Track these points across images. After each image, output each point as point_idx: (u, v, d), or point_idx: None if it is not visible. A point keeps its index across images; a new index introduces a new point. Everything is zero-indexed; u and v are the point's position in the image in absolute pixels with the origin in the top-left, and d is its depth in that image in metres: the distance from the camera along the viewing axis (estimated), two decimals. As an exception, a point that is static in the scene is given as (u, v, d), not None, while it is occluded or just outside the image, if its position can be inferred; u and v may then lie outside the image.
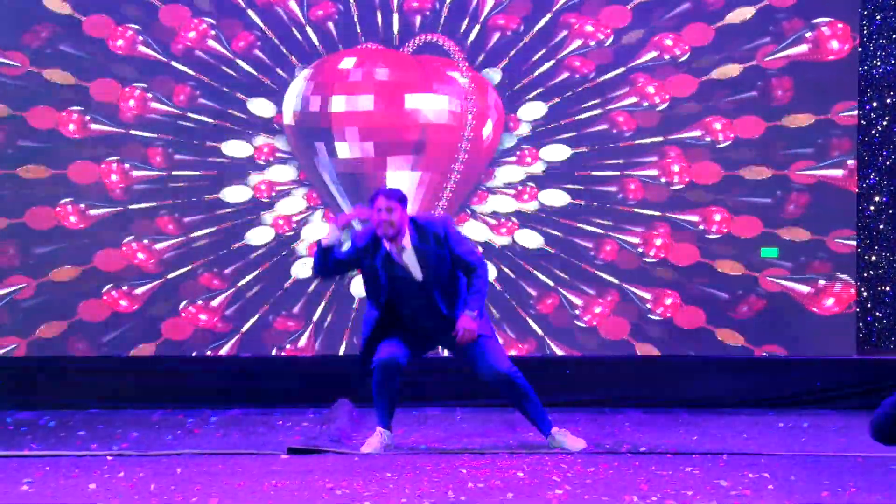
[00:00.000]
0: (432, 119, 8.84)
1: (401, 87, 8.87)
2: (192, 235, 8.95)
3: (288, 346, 8.94)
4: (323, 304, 8.93)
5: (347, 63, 8.90)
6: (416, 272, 6.65)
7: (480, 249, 8.69)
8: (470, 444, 6.97)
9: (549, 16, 8.97)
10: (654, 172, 8.99)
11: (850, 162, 8.94)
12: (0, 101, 8.86)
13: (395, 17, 8.98)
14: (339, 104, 8.81)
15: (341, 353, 8.93)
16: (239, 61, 8.96)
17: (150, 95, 8.94)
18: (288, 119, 8.91)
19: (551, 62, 9.00)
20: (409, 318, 6.77)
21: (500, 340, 7.07)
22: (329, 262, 6.68)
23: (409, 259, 6.64)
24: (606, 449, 6.77)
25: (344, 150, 8.81)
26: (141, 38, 8.92)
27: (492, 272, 8.94)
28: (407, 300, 6.71)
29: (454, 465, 6.18)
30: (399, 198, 6.61)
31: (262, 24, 8.94)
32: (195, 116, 8.93)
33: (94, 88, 8.91)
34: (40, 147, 8.89)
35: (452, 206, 8.97)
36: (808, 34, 8.92)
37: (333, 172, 8.82)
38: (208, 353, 8.91)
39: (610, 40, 8.98)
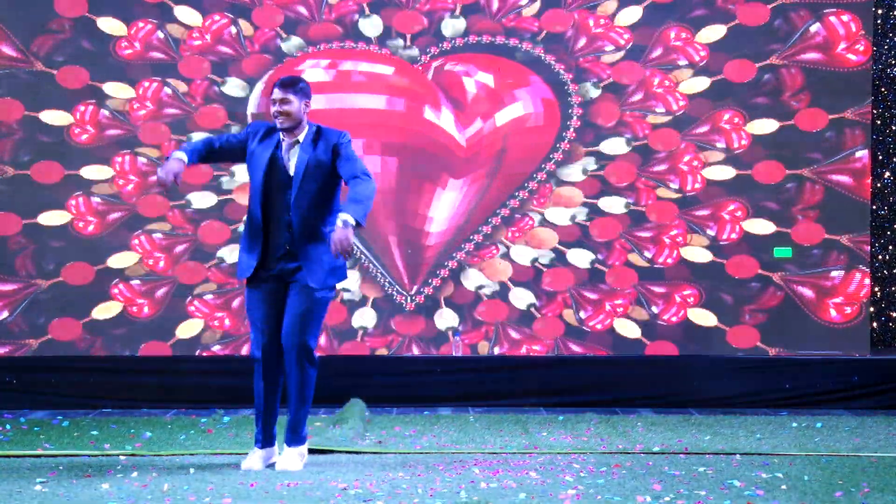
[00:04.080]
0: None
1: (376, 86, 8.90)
2: (204, 234, 8.95)
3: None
4: (336, 305, 8.93)
5: (312, 63, 8.91)
6: (292, 167, 6.09)
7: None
8: (482, 445, 6.96)
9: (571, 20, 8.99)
10: (667, 172, 8.97)
11: (864, 161, 8.91)
12: (13, 100, 8.88)
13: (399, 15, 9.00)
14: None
15: (354, 353, 8.93)
16: (252, 58, 8.96)
17: (162, 94, 8.95)
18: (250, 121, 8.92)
19: (565, 63, 8.99)
20: (272, 231, 6.10)
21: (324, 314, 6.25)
22: (204, 158, 6.16)
23: (293, 154, 6.11)
24: (619, 449, 6.76)
25: None
26: (154, 37, 8.93)
27: (507, 272, 8.94)
28: (276, 198, 6.08)
29: (466, 465, 6.17)
30: (297, 88, 6.08)
31: (276, 23, 8.96)
32: (208, 114, 8.93)
33: (108, 88, 8.92)
34: (54, 147, 8.91)
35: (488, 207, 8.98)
36: (821, 33, 8.90)
37: None
38: (221, 352, 8.92)
39: (626, 41, 8.98)
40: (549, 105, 8.99)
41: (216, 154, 6.23)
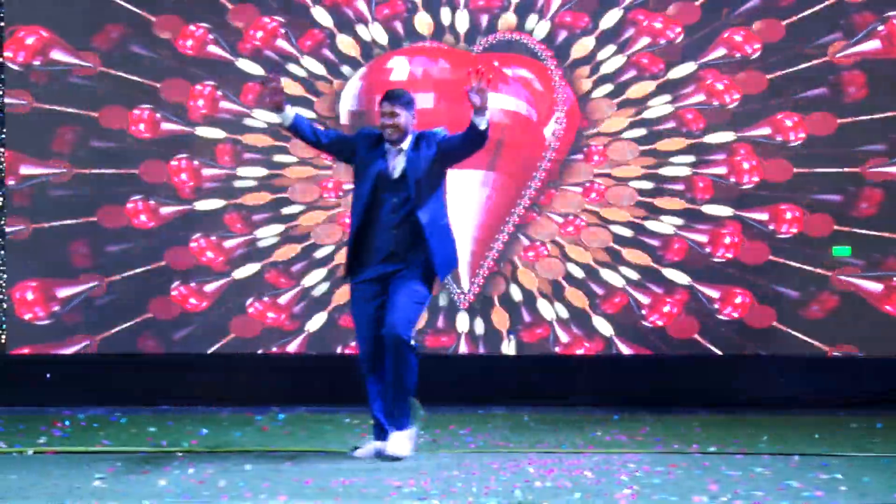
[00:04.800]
0: (497, 119, 8.82)
1: (460, 85, 8.87)
2: (259, 233, 9.00)
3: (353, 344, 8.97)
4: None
5: (400, 61, 8.91)
6: (397, 172, 6.34)
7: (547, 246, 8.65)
8: (537, 444, 6.94)
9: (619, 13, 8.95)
10: (723, 170, 8.92)
11: (925, 159, 8.83)
12: (72, 102, 8.97)
13: (464, 15, 8.99)
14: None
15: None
16: (306, 60, 9.00)
17: (218, 94, 9.01)
18: (344, 119, 8.94)
19: (620, 59, 8.95)
20: (379, 230, 6.36)
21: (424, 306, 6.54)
22: (306, 138, 6.44)
23: (398, 161, 6.36)
24: (675, 449, 6.72)
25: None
26: (210, 37, 8.99)
27: (560, 270, 8.91)
28: (381, 204, 6.34)
29: (521, 464, 6.16)
30: (404, 101, 6.37)
31: (329, 23, 8.98)
32: (263, 115, 8.98)
33: (164, 88, 8.99)
34: (111, 146, 8.99)
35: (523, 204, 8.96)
36: (880, 28, 8.81)
37: None
38: (276, 350, 8.96)
39: (680, 37, 8.93)
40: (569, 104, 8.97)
41: (318, 141, 6.48)
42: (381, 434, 6.41)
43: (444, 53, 9.00)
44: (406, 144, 6.37)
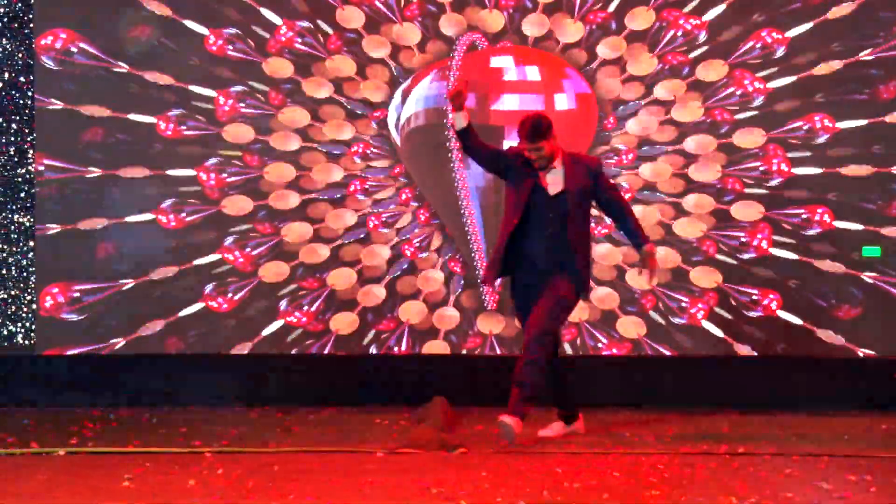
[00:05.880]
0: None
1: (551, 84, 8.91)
2: (286, 234, 9.02)
3: (394, 346, 8.97)
4: (417, 304, 8.96)
5: (505, 61, 8.90)
6: (554, 188, 6.96)
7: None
8: (565, 444, 6.93)
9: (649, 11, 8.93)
10: (753, 170, 8.88)
11: (956, 158, 8.77)
12: (101, 103, 9.01)
13: (493, 13, 8.99)
14: (510, 102, 8.81)
15: (437, 352, 8.94)
16: (333, 60, 9.01)
17: (245, 94, 9.03)
18: (420, 121, 8.92)
19: (649, 58, 8.93)
20: (533, 240, 6.98)
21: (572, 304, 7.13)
22: (472, 148, 7.05)
23: (554, 177, 6.96)
24: (703, 450, 6.69)
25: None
26: (237, 39, 9.01)
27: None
28: (537, 216, 6.95)
29: (549, 465, 6.15)
30: (543, 135, 6.86)
31: (356, 24, 9.00)
32: (290, 116, 9.00)
33: (192, 89, 9.02)
34: (140, 148, 9.02)
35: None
36: (911, 28, 8.77)
37: (480, 177, 8.79)
38: (305, 351, 8.97)
39: (709, 36, 8.90)
40: (584, 99, 8.95)
41: (482, 153, 7.11)
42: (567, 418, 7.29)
43: (534, 54, 9.00)
44: (558, 163, 6.98)
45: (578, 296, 7.06)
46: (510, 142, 8.65)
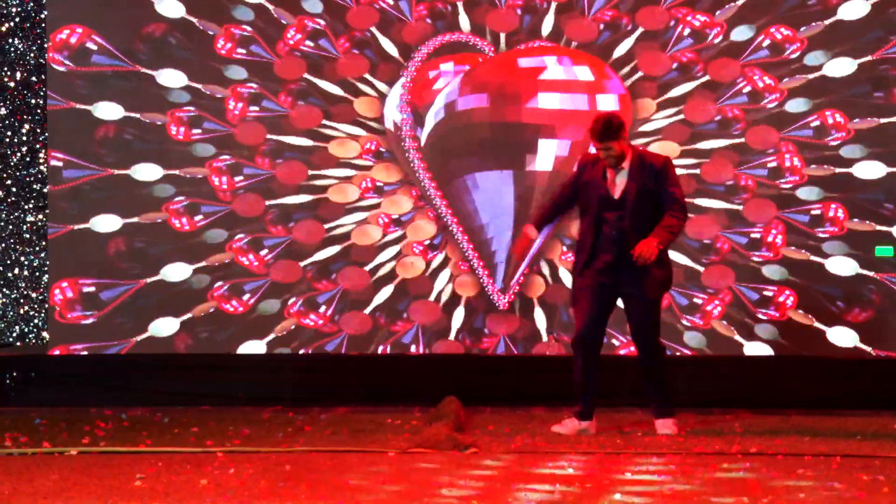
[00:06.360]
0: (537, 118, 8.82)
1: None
2: (298, 234, 9.03)
3: (411, 346, 8.98)
4: (430, 303, 8.95)
5: (548, 61, 8.90)
6: (617, 191, 7.08)
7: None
8: (577, 444, 6.93)
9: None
10: (765, 170, 8.86)
11: (969, 158, 8.75)
12: (113, 102, 9.03)
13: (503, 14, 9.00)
14: (550, 101, 8.81)
15: (448, 352, 8.94)
16: (344, 59, 9.02)
17: (258, 94, 9.04)
18: (440, 116, 8.92)
19: (661, 57, 8.93)
20: (605, 243, 7.12)
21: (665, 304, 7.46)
22: (557, 213, 7.43)
23: (619, 181, 7.08)
24: (716, 450, 6.68)
25: (551, 148, 8.81)
26: (249, 39, 9.03)
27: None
28: (604, 218, 7.09)
29: (561, 464, 6.15)
30: (612, 135, 6.97)
31: (370, 22, 9.01)
32: (304, 114, 9.00)
33: (204, 89, 9.03)
34: (152, 147, 9.04)
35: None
36: (925, 28, 8.75)
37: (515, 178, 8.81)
38: (317, 351, 8.98)
39: (721, 36, 8.89)
40: (623, 100, 8.94)
41: (562, 207, 7.40)
42: (586, 415, 7.29)
43: (484, 56, 8.99)
44: (627, 164, 7.08)
45: (661, 295, 7.28)
46: (546, 140, 8.67)
